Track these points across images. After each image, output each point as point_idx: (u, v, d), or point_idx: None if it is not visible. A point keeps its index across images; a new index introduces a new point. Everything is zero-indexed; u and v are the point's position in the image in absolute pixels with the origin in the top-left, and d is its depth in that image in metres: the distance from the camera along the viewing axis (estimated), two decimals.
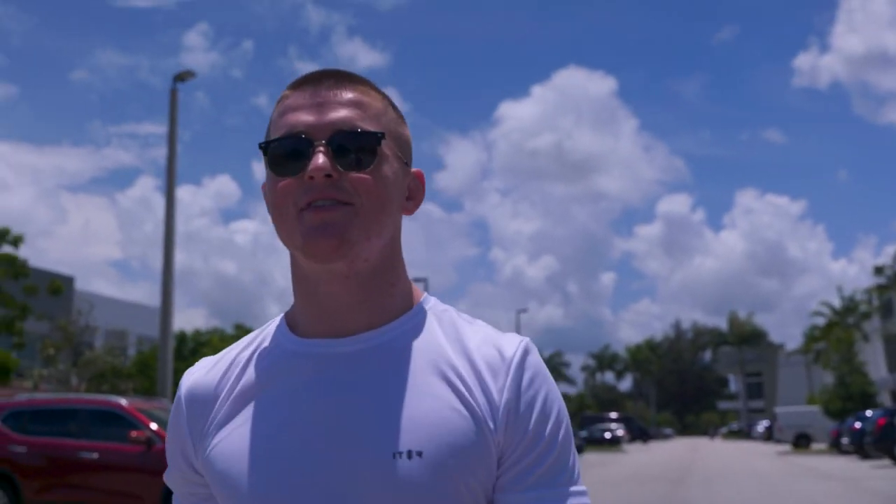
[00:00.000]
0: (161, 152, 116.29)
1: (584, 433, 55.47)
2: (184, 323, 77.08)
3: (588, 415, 65.98)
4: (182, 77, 19.11)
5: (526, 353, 1.15)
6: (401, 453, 1.08)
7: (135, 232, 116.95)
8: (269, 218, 1.18)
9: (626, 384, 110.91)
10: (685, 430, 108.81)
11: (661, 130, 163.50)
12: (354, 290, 1.15)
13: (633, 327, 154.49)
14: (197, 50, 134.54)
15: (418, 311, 1.19)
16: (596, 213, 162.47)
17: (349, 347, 1.15)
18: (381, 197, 1.13)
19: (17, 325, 20.10)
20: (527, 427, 1.12)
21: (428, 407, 1.10)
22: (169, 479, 1.27)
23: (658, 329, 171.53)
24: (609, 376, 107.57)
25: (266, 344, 1.22)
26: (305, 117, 1.13)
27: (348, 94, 1.16)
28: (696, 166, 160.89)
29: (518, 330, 55.25)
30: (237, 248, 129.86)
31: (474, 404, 1.11)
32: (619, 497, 17.40)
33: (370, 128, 1.14)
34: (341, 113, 1.13)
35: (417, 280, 42.67)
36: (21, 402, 12.82)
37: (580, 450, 40.43)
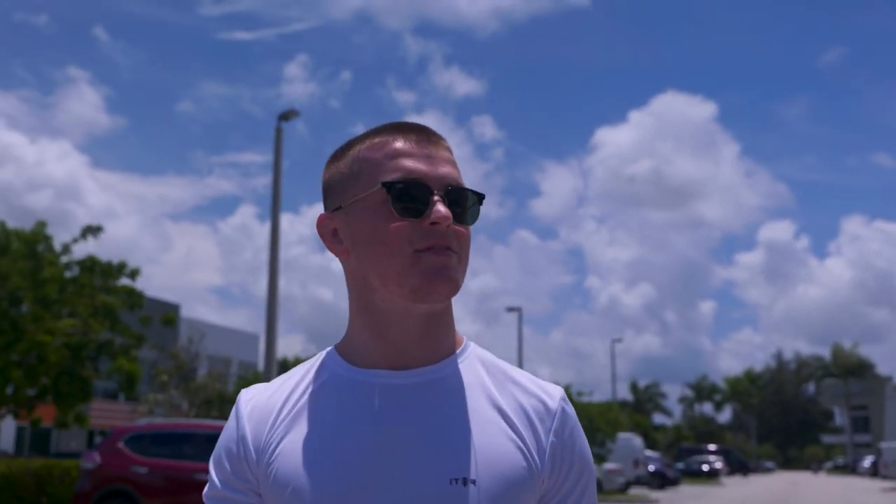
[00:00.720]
0: (261, 181, 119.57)
1: (680, 465, 54.62)
2: (283, 348, 79.22)
3: (685, 447, 64.77)
4: (286, 116, 20.08)
5: (565, 402, 1.27)
6: (457, 480, 1.15)
7: (235, 259, 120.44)
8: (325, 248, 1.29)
9: (724, 416, 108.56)
10: (787, 463, 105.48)
11: (764, 155, 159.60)
12: (426, 327, 1.24)
13: (734, 357, 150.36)
14: (296, 81, 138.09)
15: (464, 352, 1.29)
16: (695, 240, 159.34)
17: (409, 380, 1.22)
18: (468, 248, 1.25)
19: (132, 354, 21.31)
20: (569, 473, 1.23)
21: (482, 439, 1.19)
22: (218, 494, 1.26)
23: (760, 359, 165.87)
24: (707, 407, 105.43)
25: (323, 372, 1.28)
26: (421, 166, 1.22)
27: (445, 152, 1.27)
28: (800, 192, 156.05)
29: (613, 360, 54.90)
30: (333, 276, 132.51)
31: (521, 443, 1.20)
32: None
33: (468, 186, 1.26)
34: (448, 168, 1.24)
35: (511, 309, 42.96)
36: (142, 426, 13.90)
37: (675, 482, 39.89)
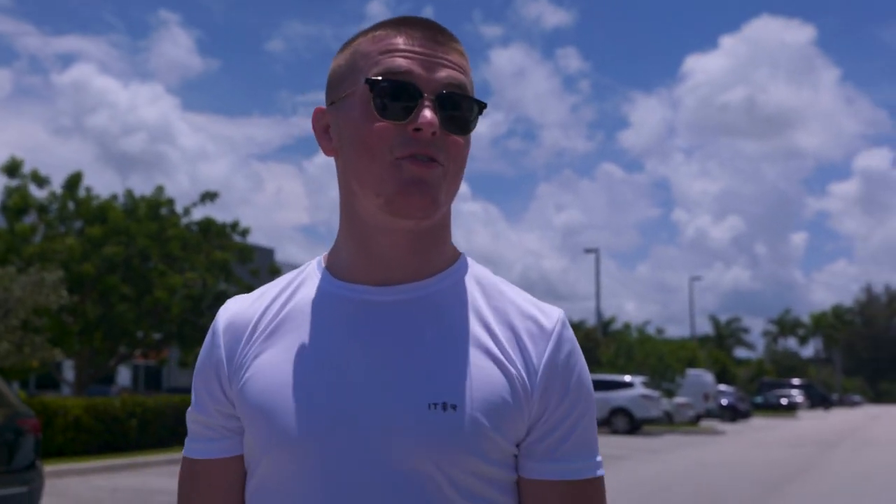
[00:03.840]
0: None
1: (758, 399, 55.87)
2: None
3: (766, 380, 65.60)
4: None
5: (564, 325, 1.16)
6: (436, 405, 1.07)
7: (321, 198, 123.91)
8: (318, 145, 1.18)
9: (809, 351, 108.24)
10: (879, 397, 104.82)
11: (863, 81, 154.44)
12: (412, 242, 1.15)
13: (827, 290, 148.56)
14: (379, 17, 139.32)
15: (458, 269, 1.19)
16: (787, 170, 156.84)
17: (392, 297, 1.15)
18: (463, 162, 1.14)
19: None
20: (562, 397, 1.12)
21: (466, 362, 1.10)
22: (193, 415, 1.21)
23: (853, 292, 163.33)
24: (792, 342, 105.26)
25: (306, 284, 1.20)
26: (414, 65, 1.10)
27: (454, 55, 1.14)
28: None
29: (691, 298, 56.16)
30: None
31: (510, 365, 1.11)
32: (760, 457, 19.30)
33: (472, 94, 1.15)
34: (449, 72, 1.12)
35: (589, 251, 44.67)
36: None
37: (746, 415, 41.44)
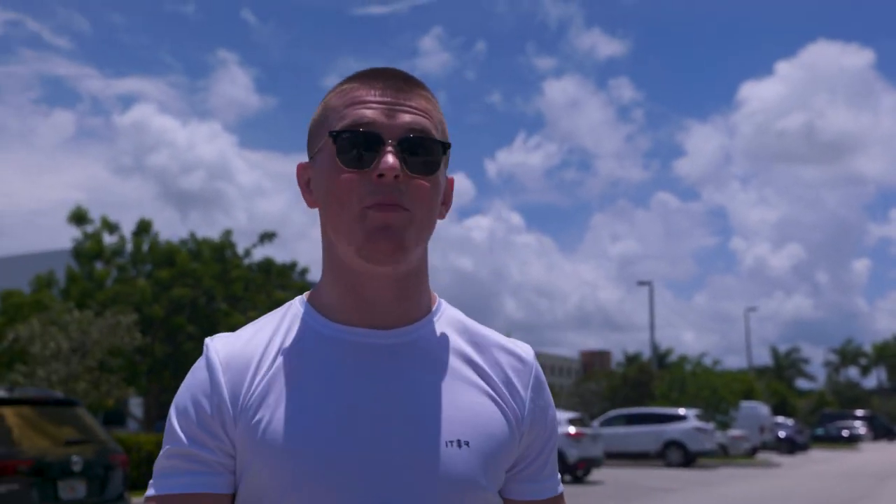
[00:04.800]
0: None
1: (819, 431, 54.94)
2: None
3: (827, 412, 64.36)
4: None
5: (535, 358, 1.27)
6: (451, 442, 1.12)
7: None
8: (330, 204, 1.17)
9: (872, 381, 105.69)
10: None
11: None
12: (395, 288, 1.18)
13: (894, 317, 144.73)
14: (432, 52, 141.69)
15: (439, 312, 1.25)
16: (848, 196, 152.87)
17: (388, 340, 1.18)
18: (432, 205, 1.16)
19: None
20: (544, 426, 1.24)
21: (466, 400, 1.16)
22: (182, 450, 1.14)
23: None
24: (853, 372, 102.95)
25: (297, 325, 1.20)
26: (376, 114, 1.14)
27: (416, 99, 1.17)
28: None
29: (747, 329, 55.68)
30: (473, 244, 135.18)
31: (502, 401, 1.19)
32: (815, 488, 19.30)
33: (436, 136, 1.16)
34: (411, 117, 1.15)
35: (642, 283, 44.78)
36: None
37: (805, 447, 40.89)
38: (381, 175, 1.11)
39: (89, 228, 22.46)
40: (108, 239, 22.94)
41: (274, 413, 1.14)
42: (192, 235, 23.94)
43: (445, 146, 1.18)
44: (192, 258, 23.20)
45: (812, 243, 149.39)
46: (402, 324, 1.20)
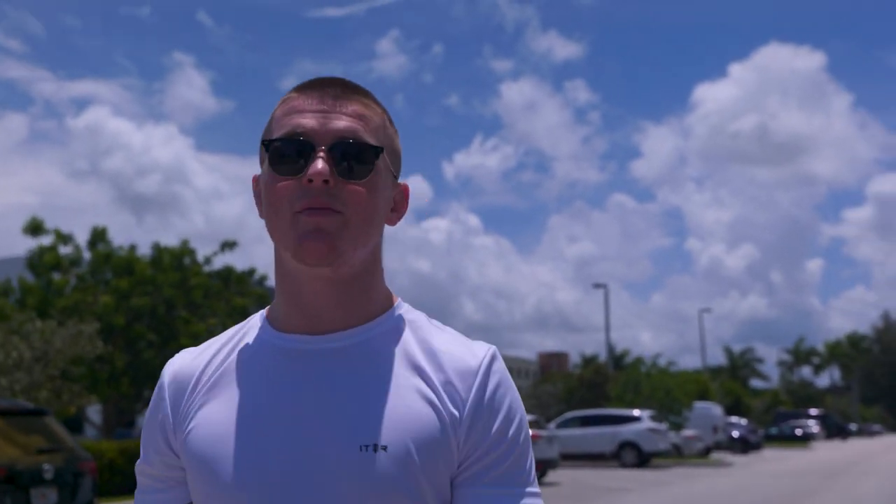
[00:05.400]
0: None
1: (773, 430, 55.82)
2: None
3: (781, 411, 65.30)
4: None
5: (493, 360, 1.21)
6: (367, 447, 1.12)
7: None
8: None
9: (825, 380, 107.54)
10: None
11: (877, 105, 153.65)
12: (335, 292, 1.19)
13: (847, 317, 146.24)
14: (389, 55, 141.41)
15: (391, 316, 1.24)
16: (800, 197, 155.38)
17: (325, 345, 1.19)
18: (369, 209, 1.16)
19: None
20: (490, 428, 1.17)
21: (395, 404, 1.15)
22: (142, 467, 1.27)
23: (873, 318, 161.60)
24: (807, 371, 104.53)
25: (249, 336, 1.25)
26: (309, 121, 1.16)
27: (353, 105, 1.19)
28: None
29: (702, 329, 56.68)
30: (430, 247, 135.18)
31: (439, 404, 1.16)
32: (763, 486, 19.87)
33: (370, 141, 1.17)
34: (344, 122, 1.16)
35: (598, 286, 45.41)
36: None
37: (758, 447, 41.68)
38: (309, 180, 1.13)
39: (45, 240, 22.56)
40: (64, 249, 23.03)
41: (199, 422, 1.19)
42: (156, 245, 23.99)
43: (378, 150, 1.18)
44: (152, 265, 23.33)
45: (766, 244, 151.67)
46: (344, 327, 1.21)
